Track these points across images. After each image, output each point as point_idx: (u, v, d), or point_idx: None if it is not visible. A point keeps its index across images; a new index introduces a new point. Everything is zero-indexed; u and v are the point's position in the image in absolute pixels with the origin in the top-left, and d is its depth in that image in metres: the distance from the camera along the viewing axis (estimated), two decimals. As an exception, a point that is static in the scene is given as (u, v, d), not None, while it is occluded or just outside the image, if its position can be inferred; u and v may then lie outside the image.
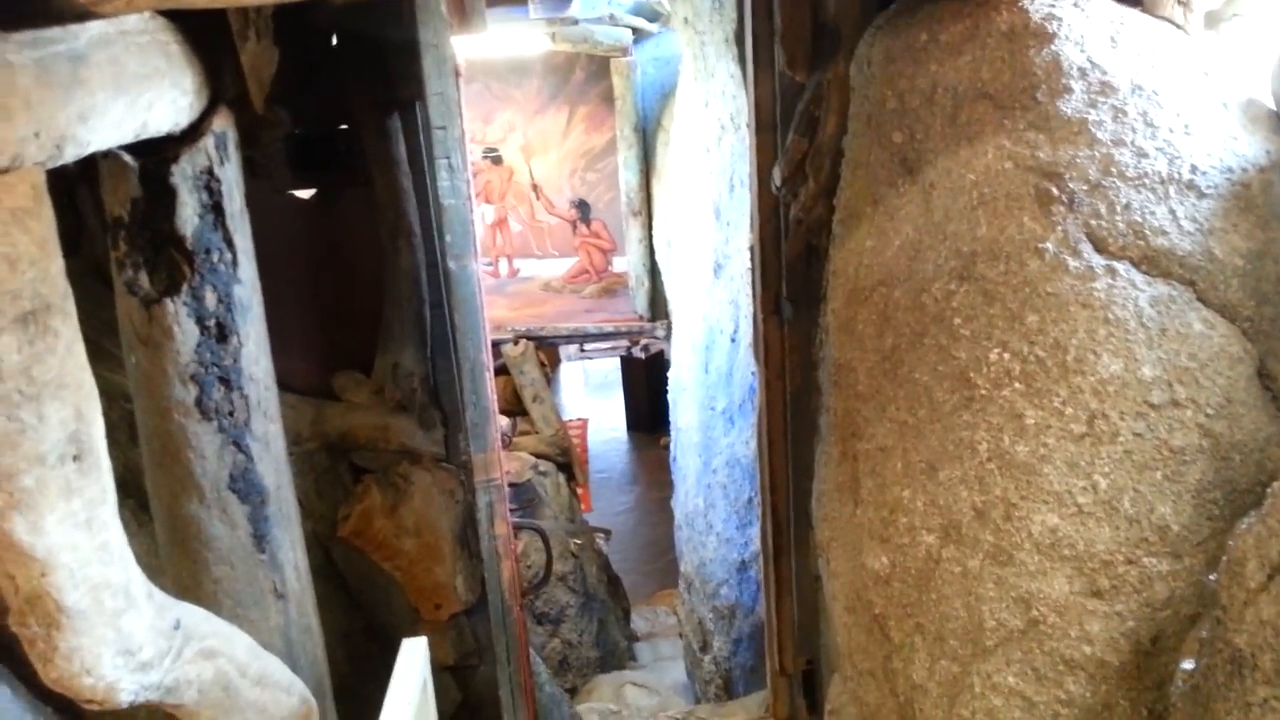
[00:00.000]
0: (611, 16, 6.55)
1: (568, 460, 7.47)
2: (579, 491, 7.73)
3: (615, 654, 6.92)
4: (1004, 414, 1.79)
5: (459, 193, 2.44)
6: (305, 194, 2.97)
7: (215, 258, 1.87)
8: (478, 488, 2.52)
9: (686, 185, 5.12)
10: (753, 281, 3.12)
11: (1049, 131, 1.86)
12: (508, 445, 6.67)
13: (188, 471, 1.94)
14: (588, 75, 6.98)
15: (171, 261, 1.84)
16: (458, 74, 2.47)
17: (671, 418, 5.96)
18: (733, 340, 4.31)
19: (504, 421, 6.88)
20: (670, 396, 6.03)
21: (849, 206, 2.41)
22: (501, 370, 7.32)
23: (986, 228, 1.88)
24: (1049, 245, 1.78)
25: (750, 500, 4.21)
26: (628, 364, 16.71)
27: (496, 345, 7.17)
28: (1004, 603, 1.76)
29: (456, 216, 2.46)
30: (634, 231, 7.06)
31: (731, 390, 4.36)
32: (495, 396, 2.62)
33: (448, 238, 2.45)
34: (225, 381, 1.93)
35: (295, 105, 2.64)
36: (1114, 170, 1.78)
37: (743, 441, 4.25)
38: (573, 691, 6.24)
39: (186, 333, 1.86)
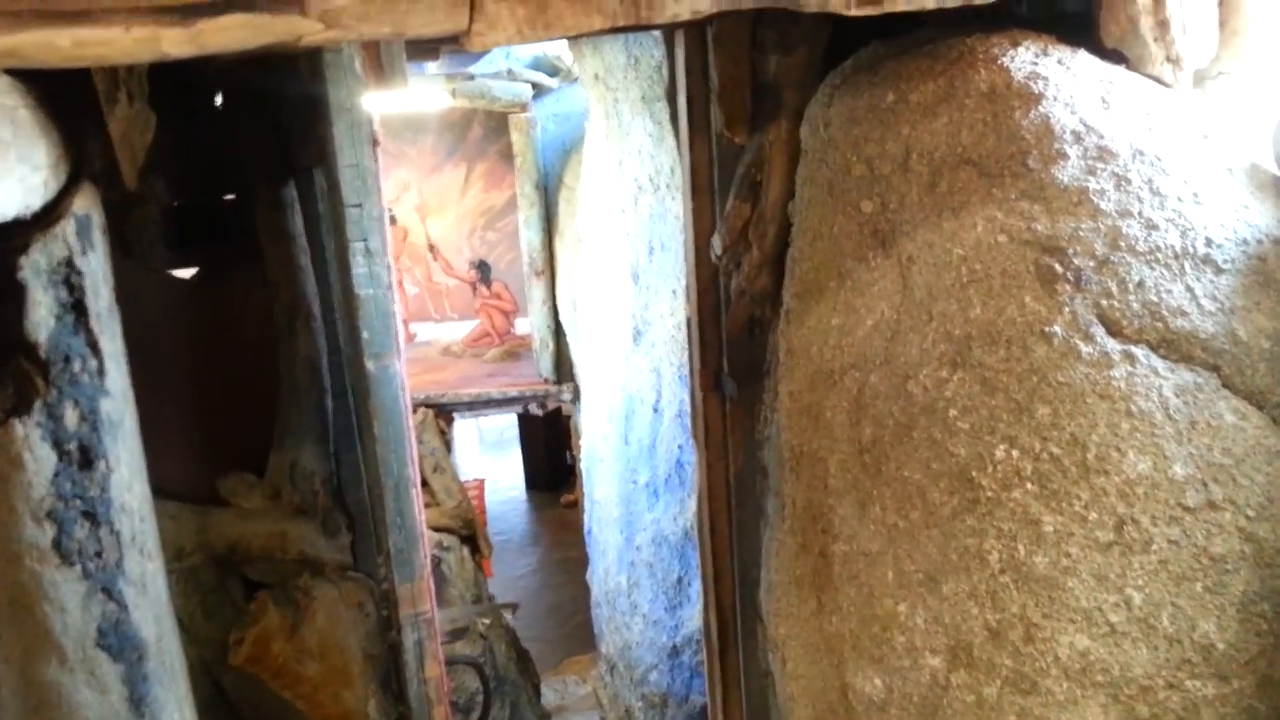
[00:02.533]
0: (510, 71, 6.33)
1: (471, 532, 7.07)
2: (483, 563, 7.33)
3: (528, 739, 6.51)
4: (1016, 519, 1.58)
5: (379, 280, 2.12)
6: (186, 273, 2.61)
7: (76, 367, 1.53)
8: (404, 623, 2.18)
9: (599, 246, 4.90)
10: (689, 356, 2.89)
11: (1045, 202, 1.69)
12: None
13: (44, 628, 1.57)
14: (486, 131, 6.74)
15: (21, 374, 1.49)
16: (375, 142, 2.18)
17: (586, 489, 5.67)
18: (655, 410, 4.07)
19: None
20: (583, 466, 5.75)
21: (806, 280, 2.20)
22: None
23: (981, 308, 1.69)
24: (1056, 329, 1.60)
25: (680, 581, 3.95)
26: (525, 420, 16.32)
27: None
28: (1030, 738, 1.54)
29: (376, 308, 2.14)
30: (537, 292, 6.79)
31: (655, 463, 4.12)
32: (424, 517, 2.30)
33: (365, 334, 2.13)
34: (90, 516, 1.59)
35: (172, 174, 2.32)
36: (1122, 244, 1.61)
37: (670, 518, 4.00)
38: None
39: (40, 460, 1.51)
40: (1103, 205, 1.64)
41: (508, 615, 6.98)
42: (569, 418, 7.52)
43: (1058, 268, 1.63)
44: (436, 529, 6.68)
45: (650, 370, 4.09)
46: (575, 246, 5.95)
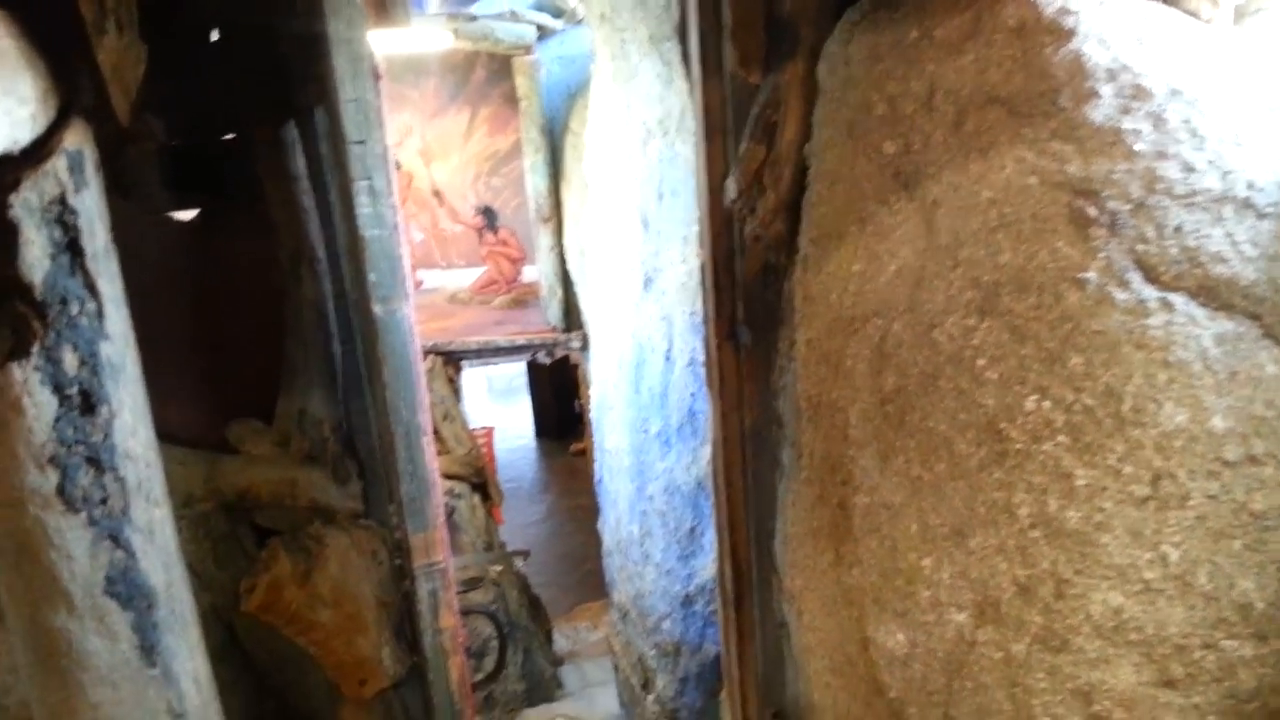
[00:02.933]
0: (513, 13, 6.17)
1: (482, 480, 7.08)
2: (493, 510, 7.34)
3: (541, 683, 6.58)
4: (1047, 473, 1.53)
5: (384, 221, 2.04)
6: (186, 216, 2.55)
7: (74, 309, 1.48)
8: (417, 574, 2.15)
9: (606, 193, 4.80)
10: (704, 304, 2.82)
11: (1078, 142, 1.61)
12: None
13: (51, 576, 1.55)
14: (489, 75, 6.58)
15: (17, 316, 1.44)
16: (377, 76, 2.08)
17: (596, 438, 5.63)
18: (667, 359, 4.01)
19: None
20: (593, 415, 5.70)
21: (825, 225, 2.13)
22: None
23: (1011, 254, 1.62)
24: (1091, 275, 1.53)
25: (693, 530, 3.93)
26: (534, 368, 16.34)
27: (401, 363, 6.72)
28: (1059, 695, 1.50)
29: (382, 251, 2.07)
30: (544, 239, 6.69)
31: (667, 412, 4.07)
32: (436, 465, 2.26)
33: (371, 276, 2.06)
34: (94, 462, 1.55)
35: (171, 113, 2.25)
36: (1159, 187, 1.53)
37: (682, 467, 3.96)
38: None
39: (41, 405, 1.47)
40: (1138, 146, 1.56)
41: (519, 562, 7.01)
42: (577, 366, 7.47)
43: (1091, 211, 1.56)
44: (447, 476, 6.68)
45: (661, 318, 4.03)
46: (582, 193, 5.85)
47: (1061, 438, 1.52)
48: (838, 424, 2.07)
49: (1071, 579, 1.50)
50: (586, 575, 11.34)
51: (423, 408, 2.13)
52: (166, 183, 2.40)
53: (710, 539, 3.80)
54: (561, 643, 9.00)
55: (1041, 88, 1.66)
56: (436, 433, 6.73)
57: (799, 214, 2.43)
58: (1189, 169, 1.53)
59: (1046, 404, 1.54)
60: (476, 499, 6.71)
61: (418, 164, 6.81)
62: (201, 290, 2.47)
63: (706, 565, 3.85)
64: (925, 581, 1.70)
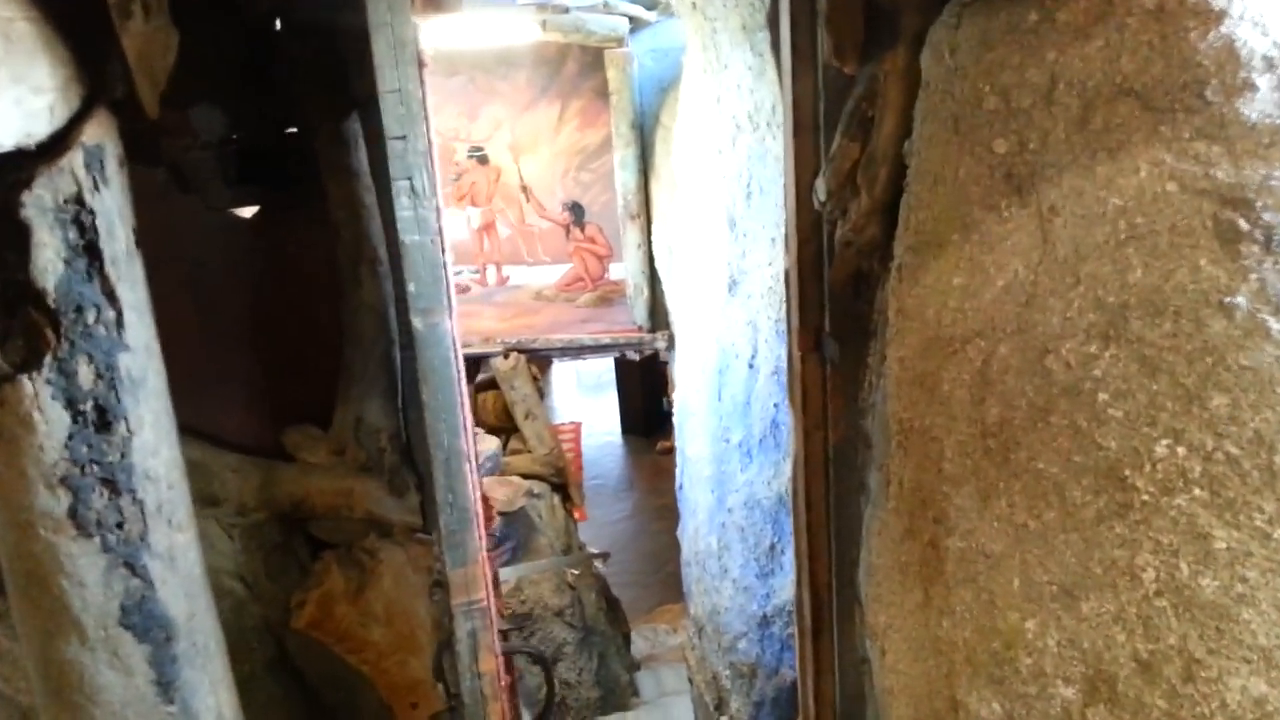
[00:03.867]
0: (606, 4, 6.03)
1: (562, 480, 6.98)
2: (574, 512, 7.24)
3: (616, 690, 6.45)
4: (1179, 532, 1.30)
5: (426, 226, 1.90)
6: (247, 212, 2.46)
7: (91, 317, 1.37)
8: (456, 613, 2.00)
9: (694, 190, 4.62)
10: (787, 312, 2.63)
11: (1227, 143, 1.37)
12: (497, 471, 6.18)
13: (62, 604, 1.44)
14: (581, 68, 6.45)
15: (29, 325, 1.34)
16: (421, 64, 1.94)
17: (678, 444, 5.47)
18: (750, 366, 3.82)
19: (494, 442, 6.39)
20: (676, 420, 5.54)
21: (924, 231, 1.92)
22: (491, 385, 6.83)
23: (1143, 271, 1.39)
24: (1240, 300, 1.29)
25: (773, 548, 3.73)
26: (621, 365, 16.26)
27: (486, 358, 6.67)
28: (1185, 796, 1.28)
29: (422, 258, 1.92)
30: (632, 236, 6.54)
31: (749, 422, 3.87)
32: (479, 494, 2.11)
33: (411, 286, 1.91)
34: (109, 484, 1.44)
35: (231, 106, 2.15)
36: (1328, 196, 1.29)
37: (763, 481, 3.76)
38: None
39: (52, 421, 1.37)
40: (1305, 147, 1.32)
41: (599, 564, 6.89)
42: (666, 363, 7.31)
43: (1242, 224, 1.32)
44: (527, 476, 6.60)
45: (746, 323, 3.83)
46: (671, 189, 5.68)
47: (1198, 491, 1.29)
48: (931, 455, 1.86)
49: (1204, 659, 1.27)
50: (669, 576, 11.20)
51: (466, 431, 1.97)
52: (227, 178, 2.32)
53: (791, 558, 3.59)
54: (640, 645, 8.87)
55: (1184, 79, 1.42)
56: (518, 431, 6.66)
57: (895, 218, 2.22)
58: (1367, 176, 1.28)
59: (1181, 450, 1.31)
60: (557, 500, 6.62)
61: (506, 158, 6.73)
62: (259, 289, 2.38)
63: (786, 585, 3.64)
64: (1027, 646, 1.49)
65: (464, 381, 2.05)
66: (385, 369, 2.33)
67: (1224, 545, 1.26)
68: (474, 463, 2.02)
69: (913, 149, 2.06)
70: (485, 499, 2.53)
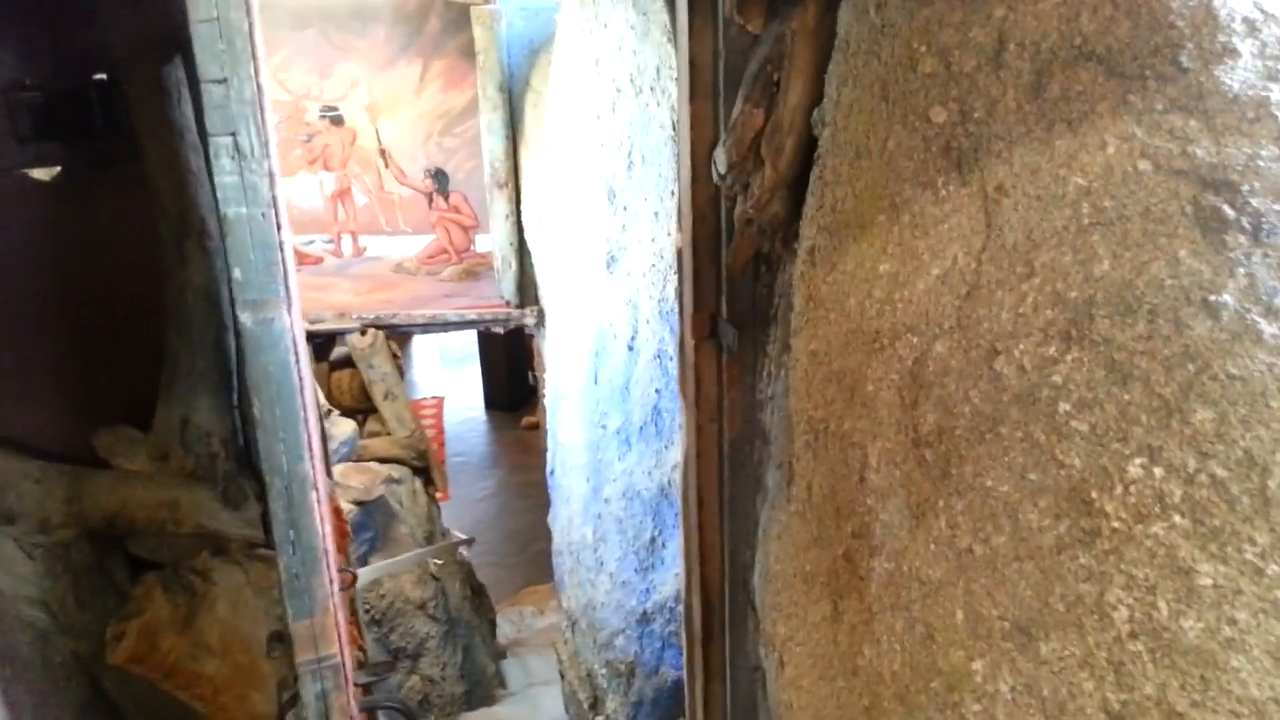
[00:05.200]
0: (471, -43, 5.65)
1: (424, 464, 6.62)
2: (437, 496, 6.89)
3: (483, 682, 6.18)
4: (1156, 565, 1.13)
5: (255, 196, 1.52)
6: (45, 175, 2.05)
7: None
8: (302, 672, 1.68)
9: (568, 158, 4.34)
10: (680, 295, 2.40)
11: (1205, 116, 1.20)
12: (353, 456, 5.78)
13: None
14: (444, 25, 6.05)
15: None
16: (251, -10, 1.59)
17: (549, 427, 5.21)
18: (630, 349, 3.59)
19: (349, 425, 5.98)
20: (547, 403, 5.27)
21: (842, 211, 1.71)
22: (347, 363, 6.40)
23: (1111, 263, 1.21)
24: (1226, 298, 1.12)
25: (654, 541, 3.52)
26: (486, 337, 15.83)
27: (341, 335, 6.24)
28: None
29: (251, 236, 1.55)
30: (499, 206, 6.21)
31: (629, 408, 3.64)
32: (332, 530, 1.80)
33: (236, 271, 1.55)
34: None
35: (21, 43, 1.75)
36: (1323, 180, 1.13)
37: (644, 471, 3.55)
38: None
39: None
40: (1294, 123, 1.16)
41: (463, 551, 6.58)
42: (532, 336, 7.03)
43: (1227, 211, 1.15)
44: (386, 460, 6.24)
45: (625, 302, 3.59)
46: (543, 157, 5.38)
47: (1178, 519, 1.12)
48: (851, 462, 1.66)
49: (1186, 712, 1.10)
50: (534, 556, 10.98)
51: (312, 453, 1.64)
52: (19, 132, 1.91)
53: (673, 552, 3.40)
54: (506, 629, 8.62)
55: (1155, 42, 1.25)
56: (376, 412, 6.26)
57: (801, 194, 2.02)
58: (1364, 158, 1.13)
59: (1158, 471, 1.14)
60: (418, 484, 6.27)
61: (363, 120, 6.28)
62: (64, 267, 1.98)
63: (668, 581, 3.45)
64: (975, 690, 1.30)
65: (308, 390, 1.72)
66: (217, 362, 1.98)
67: (1209, 582, 1.09)
68: (321, 491, 1.69)
69: (826, 118, 1.85)
70: (339, 514, 2.21)
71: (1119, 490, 1.17)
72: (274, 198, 1.52)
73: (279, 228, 1.52)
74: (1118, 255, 1.20)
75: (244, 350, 1.59)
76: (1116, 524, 1.17)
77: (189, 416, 2.01)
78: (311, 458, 1.61)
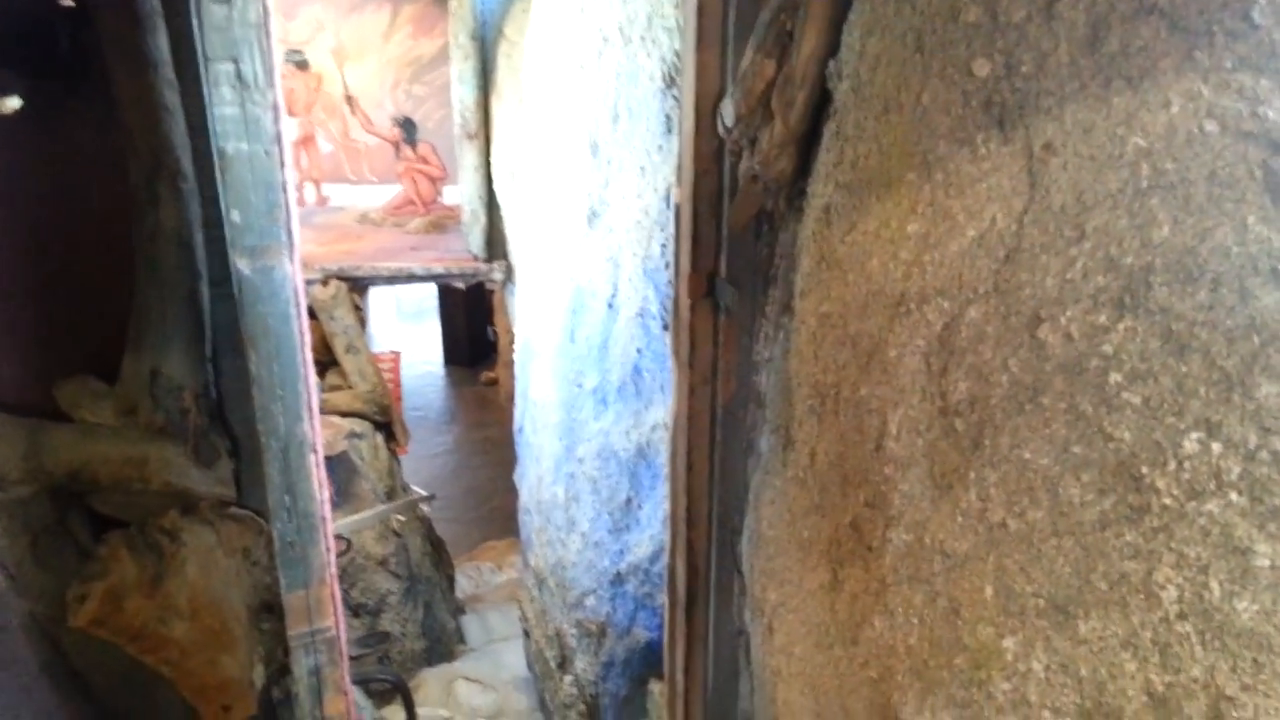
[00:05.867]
0: (446, -105, 5.44)
1: (386, 418, 6.50)
2: (398, 452, 6.78)
3: (443, 639, 6.13)
4: (1210, 544, 1.09)
5: (259, 131, 1.39)
6: (6, 107, 1.90)
7: None
8: (294, 645, 1.58)
9: (546, 110, 4.21)
10: (676, 253, 2.32)
11: (1277, 76, 1.13)
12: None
13: None
14: (415, -33, 5.84)
15: None
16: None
17: (518, 384, 5.11)
18: (610, 307, 3.50)
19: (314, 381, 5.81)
20: (517, 359, 5.17)
21: (865, 168, 1.64)
22: (309, 314, 6.23)
23: (1171, 228, 1.15)
24: (1297, 267, 1.07)
25: (629, 503, 3.47)
26: (445, 291, 15.64)
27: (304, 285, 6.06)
28: None
29: (253, 175, 1.42)
30: (469, 158, 6.05)
31: (606, 367, 3.57)
32: (327, 495, 1.69)
33: (235, 214, 1.42)
34: None
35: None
36: (1399, 146, 1.07)
37: (621, 432, 3.48)
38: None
39: None
40: (1371, 85, 1.10)
41: (424, 507, 6.49)
42: (492, 291, 6.90)
43: (1299, 175, 1.10)
44: (348, 414, 6.11)
45: (607, 259, 3.50)
46: (516, 108, 5.23)
47: (1235, 497, 1.07)
48: (866, 429, 1.60)
49: (1236, 695, 1.06)
50: (492, 512, 10.94)
51: (310, 412, 1.53)
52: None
53: (649, 514, 3.34)
54: (464, 584, 8.58)
55: (1222, -4, 1.18)
56: (337, 365, 6.11)
57: (809, 149, 1.94)
58: None
59: (1216, 447, 1.09)
60: (379, 439, 6.15)
61: (329, 65, 6.06)
62: (26, 208, 1.85)
63: (642, 542, 3.40)
64: (1005, 668, 1.26)
65: (309, 346, 1.61)
66: (190, 312, 1.87)
67: (1266, 563, 1.05)
68: (320, 453, 1.58)
69: (844, 70, 1.77)
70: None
71: (1172, 466, 1.12)
72: (278, 133, 1.40)
73: (283, 166, 1.39)
74: (1179, 220, 1.14)
75: (240, 300, 1.47)
76: (1168, 500, 1.12)
77: (159, 369, 1.89)
78: (310, 418, 1.50)
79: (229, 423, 2.01)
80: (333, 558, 1.65)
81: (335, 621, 1.60)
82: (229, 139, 1.35)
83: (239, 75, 1.35)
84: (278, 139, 1.39)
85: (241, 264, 1.39)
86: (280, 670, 1.71)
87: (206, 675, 2.10)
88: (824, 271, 1.78)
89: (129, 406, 1.91)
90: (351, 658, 1.82)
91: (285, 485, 1.48)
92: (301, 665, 1.57)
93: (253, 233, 1.41)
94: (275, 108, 1.43)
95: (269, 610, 1.82)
